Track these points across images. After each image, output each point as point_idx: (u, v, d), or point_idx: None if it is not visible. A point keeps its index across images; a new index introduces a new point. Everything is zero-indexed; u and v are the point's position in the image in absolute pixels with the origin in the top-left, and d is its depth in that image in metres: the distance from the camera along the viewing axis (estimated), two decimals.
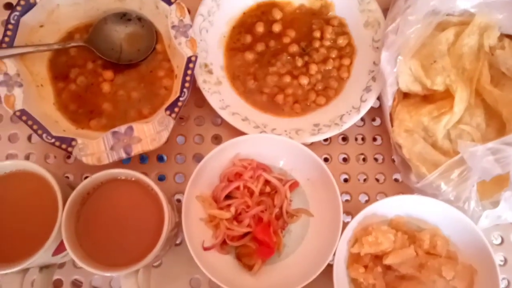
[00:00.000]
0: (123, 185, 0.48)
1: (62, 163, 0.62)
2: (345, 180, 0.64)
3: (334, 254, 0.53)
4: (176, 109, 0.56)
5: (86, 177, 0.55)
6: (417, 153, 0.58)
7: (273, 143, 0.58)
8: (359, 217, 0.55)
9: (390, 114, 0.60)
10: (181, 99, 0.56)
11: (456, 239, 0.56)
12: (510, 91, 0.59)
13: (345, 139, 0.65)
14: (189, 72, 0.57)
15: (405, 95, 0.63)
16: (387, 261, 0.54)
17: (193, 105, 0.66)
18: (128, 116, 0.61)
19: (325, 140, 0.65)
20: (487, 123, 0.60)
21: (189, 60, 0.57)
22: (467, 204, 0.54)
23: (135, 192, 0.48)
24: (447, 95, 0.59)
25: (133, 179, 0.48)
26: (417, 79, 0.59)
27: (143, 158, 0.64)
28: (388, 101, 0.60)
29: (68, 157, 0.62)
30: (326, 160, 0.65)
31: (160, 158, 0.64)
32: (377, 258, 0.56)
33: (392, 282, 0.55)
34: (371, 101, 0.61)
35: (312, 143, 0.62)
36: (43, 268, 0.53)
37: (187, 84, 0.56)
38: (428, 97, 0.61)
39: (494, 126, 0.60)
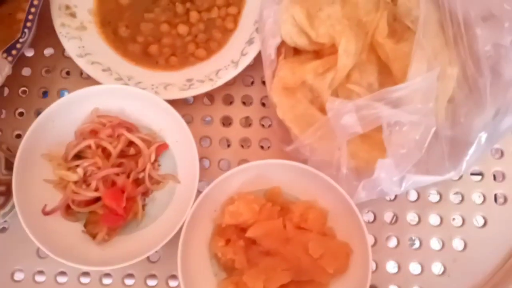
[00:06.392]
0: None
1: None
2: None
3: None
4: (14, 52, 0.48)
5: None
6: (298, 115, 0.51)
7: (134, 97, 0.51)
8: (216, 182, 0.48)
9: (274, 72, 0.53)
10: (20, 40, 0.49)
11: (333, 212, 0.50)
12: (409, 46, 0.51)
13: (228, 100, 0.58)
14: (32, 10, 0.49)
15: (296, 52, 0.55)
16: (248, 233, 0.48)
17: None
18: None
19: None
20: (381, 82, 0.52)
21: None
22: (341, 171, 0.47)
23: None
24: (337, 50, 0.51)
25: None
26: (302, 30, 0.52)
27: None
28: (270, 56, 0.52)
29: None
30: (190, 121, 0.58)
31: None
32: (243, 231, 0.49)
33: (255, 258, 0.48)
34: (252, 55, 0.53)
35: (180, 102, 0.55)
36: None
37: (28, 24, 0.49)
38: (319, 54, 0.54)
39: (389, 86, 0.52)
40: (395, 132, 0.42)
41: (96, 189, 0.50)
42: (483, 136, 0.43)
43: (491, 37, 0.45)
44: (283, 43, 0.53)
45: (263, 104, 0.57)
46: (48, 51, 0.59)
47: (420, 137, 0.42)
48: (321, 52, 0.53)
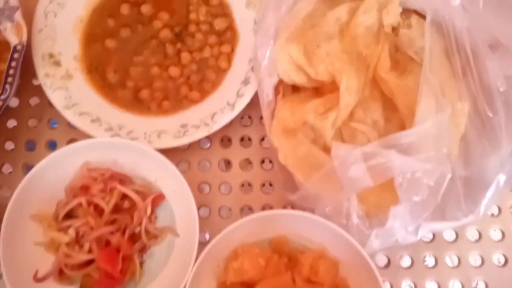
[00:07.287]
0: None
1: None
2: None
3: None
4: None
5: None
6: (301, 157, 0.48)
7: (126, 149, 0.48)
8: (218, 238, 0.44)
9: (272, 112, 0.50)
10: (2, 97, 0.46)
11: (345, 262, 0.46)
12: (413, 79, 0.48)
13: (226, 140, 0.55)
14: (13, 64, 0.46)
15: (294, 89, 0.52)
16: None
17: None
18: None
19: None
20: (386, 119, 0.49)
21: (14, 50, 0.47)
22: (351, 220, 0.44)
23: None
24: (337, 86, 0.48)
25: None
26: (300, 67, 0.49)
27: None
28: (268, 96, 0.49)
29: None
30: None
31: None
32: (249, 287, 0.46)
33: None
34: (248, 96, 0.51)
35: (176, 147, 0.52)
36: None
37: (10, 79, 0.46)
38: (319, 91, 0.51)
39: (395, 123, 0.49)
40: (407, 179, 0.39)
41: (90, 251, 0.46)
42: (502, 178, 0.40)
43: (502, 69, 0.42)
44: (280, 82, 0.51)
45: (263, 144, 0.54)
46: (33, 101, 0.56)
47: (435, 184, 0.38)
48: (321, 88, 0.51)
